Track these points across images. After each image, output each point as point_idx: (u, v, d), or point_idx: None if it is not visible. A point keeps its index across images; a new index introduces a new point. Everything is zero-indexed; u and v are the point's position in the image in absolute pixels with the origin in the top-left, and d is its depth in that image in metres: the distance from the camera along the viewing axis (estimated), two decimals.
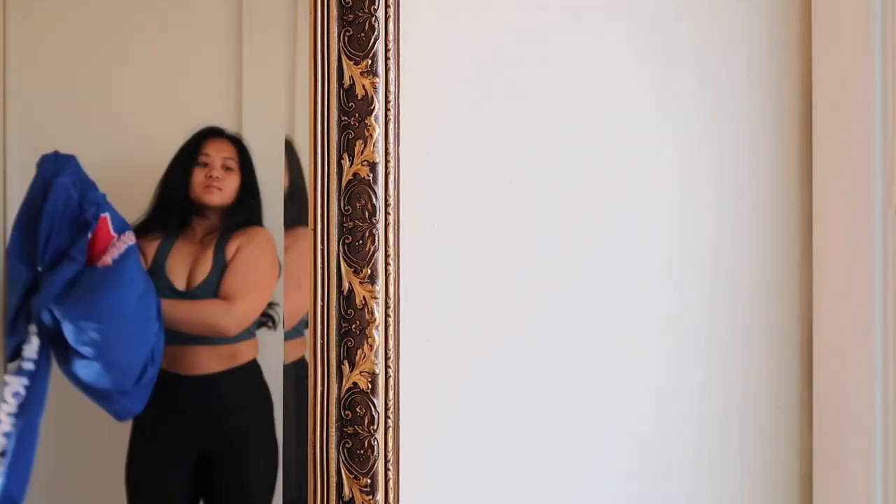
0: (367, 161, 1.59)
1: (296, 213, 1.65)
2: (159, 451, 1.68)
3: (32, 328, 1.60)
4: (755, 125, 1.75)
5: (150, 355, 1.65)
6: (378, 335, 1.59)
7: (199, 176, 1.68)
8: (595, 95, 1.71)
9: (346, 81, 1.59)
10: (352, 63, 1.59)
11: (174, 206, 1.68)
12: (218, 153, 1.69)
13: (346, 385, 1.59)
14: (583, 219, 1.70)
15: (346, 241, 1.59)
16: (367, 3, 1.58)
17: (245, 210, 1.69)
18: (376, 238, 1.59)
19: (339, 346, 1.59)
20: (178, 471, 1.69)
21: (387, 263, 1.59)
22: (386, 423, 1.60)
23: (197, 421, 1.69)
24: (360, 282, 1.59)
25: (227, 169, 1.68)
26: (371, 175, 1.59)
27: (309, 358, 1.60)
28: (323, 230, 1.59)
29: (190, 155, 1.68)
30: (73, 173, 1.64)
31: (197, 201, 1.68)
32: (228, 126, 1.70)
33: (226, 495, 1.70)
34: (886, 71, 1.60)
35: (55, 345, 1.61)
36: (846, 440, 1.67)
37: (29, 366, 1.61)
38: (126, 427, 1.68)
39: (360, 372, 1.59)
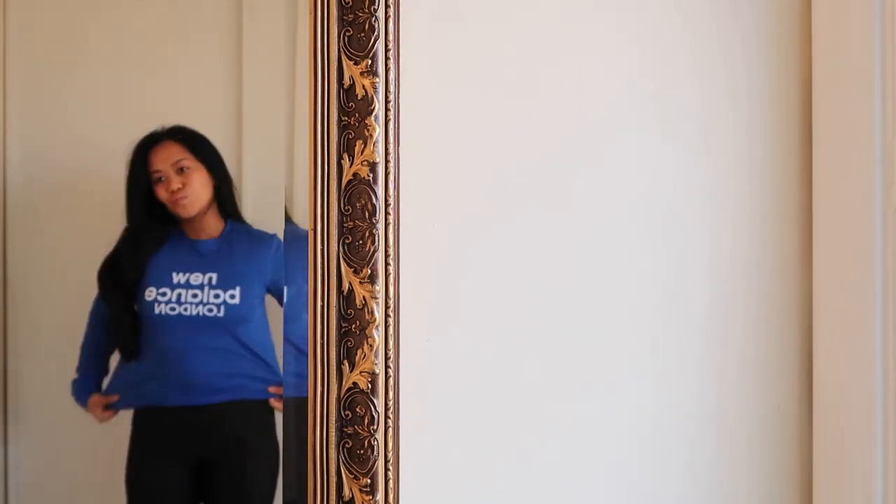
0: (367, 161, 1.59)
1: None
2: (159, 456, 1.68)
3: None
4: (755, 125, 1.75)
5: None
6: (378, 335, 1.59)
7: (163, 194, 1.66)
8: (595, 95, 1.71)
9: (346, 81, 1.59)
10: (352, 63, 1.59)
11: (154, 228, 1.67)
12: (166, 162, 1.65)
13: (346, 385, 1.59)
14: (583, 219, 1.70)
15: (346, 241, 1.59)
16: (367, 3, 1.58)
17: (230, 198, 1.68)
18: (376, 238, 1.59)
19: (339, 346, 1.59)
20: (178, 475, 1.69)
21: (387, 263, 1.59)
22: (386, 423, 1.60)
23: (196, 430, 1.69)
24: (360, 282, 1.59)
25: (182, 171, 1.66)
26: (371, 175, 1.59)
27: (309, 358, 1.60)
28: (323, 230, 1.59)
29: (141, 175, 1.64)
30: None
31: (177, 216, 1.67)
32: (228, 126, 1.70)
33: (226, 499, 1.70)
34: (886, 71, 1.60)
35: None
36: (846, 440, 1.67)
37: None
38: (126, 431, 1.68)
39: (360, 372, 1.59)
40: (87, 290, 1.69)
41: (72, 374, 1.68)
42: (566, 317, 1.70)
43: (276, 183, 1.66)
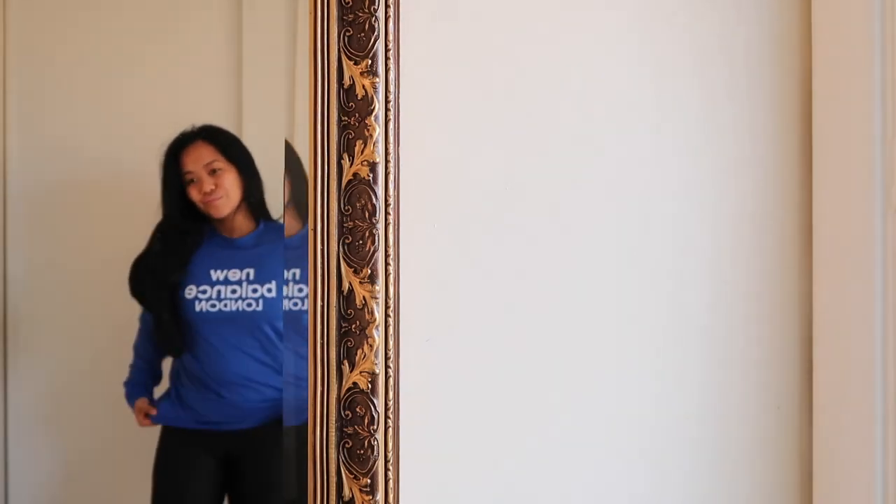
0: (367, 161, 1.59)
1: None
2: (188, 451, 1.69)
3: None
4: (755, 125, 1.75)
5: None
6: (378, 335, 1.59)
7: (195, 195, 1.68)
8: (595, 95, 1.71)
9: (346, 81, 1.59)
10: (352, 63, 1.59)
11: (189, 227, 1.68)
12: (198, 163, 1.67)
13: (346, 385, 1.59)
14: (583, 219, 1.70)
15: (346, 241, 1.59)
16: (367, 3, 1.58)
17: (260, 197, 1.69)
18: (376, 238, 1.59)
19: (339, 346, 1.59)
20: (205, 470, 1.70)
21: (387, 263, 1.59)
22: (386, 423, 1.60)
23: (225, 426, 1.70)
24: (360, 282, 1.59)
25: (215, 172, 1.68)
26: (371, 175, 1.59)
27: (309, 358, 1.60)
28: (323, 230, 1.59)
29: (174, 177, 1.67)
30: None
31: (209, 217, 1.69)
32: (228, 126, 1.70)
33: (251, 491, 1.71)
34: (886, 71, 1.59)
35: None
36: (846, 440, 1.67)
37: None
38: (125, 434, 1.69)
39: (360, 372, 1.59)
40: (90, 291, 1.69)
41: (70, 373, 1.69)
42: (566, 317, 1.70)
43: (277, 183, 1.66)
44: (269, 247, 1.69)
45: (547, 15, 1.69)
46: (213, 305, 1.67)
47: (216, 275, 1.67)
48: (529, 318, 1.69)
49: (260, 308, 1.67)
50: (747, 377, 1.74)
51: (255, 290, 1.67)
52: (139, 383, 1.68)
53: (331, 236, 1.59)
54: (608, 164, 1.71)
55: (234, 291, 1.67)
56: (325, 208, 1.59)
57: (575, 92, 1.70)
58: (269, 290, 1.68)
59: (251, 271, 1.68)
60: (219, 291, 1.67)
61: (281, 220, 1.68)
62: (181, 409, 1.68)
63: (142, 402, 1.68)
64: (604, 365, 1.71)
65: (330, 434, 1.60)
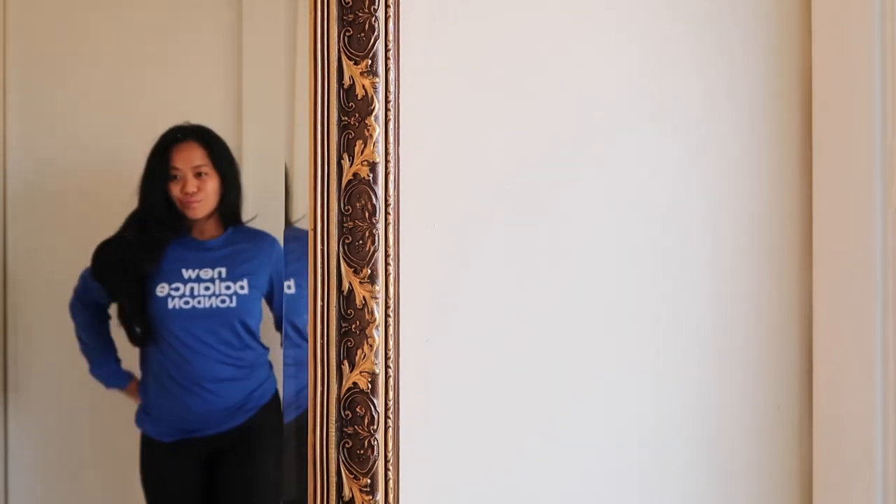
0: (367, 161, 1.59)
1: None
2: (170, 462, 1.69)
3: None
4: (755, 125, 1.75)
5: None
6: (378, 335, 1.59)
7: (175, 191, 1.68)
8: (595, 95, 1.71)
9: (346, 81, 1.59)
10: (352, 63, 1.59)
11: (165, 221, 1.69)
12: (187, 164, 1.68)
13: (346, 385, 1.59)
14: (583, 218, 1.70)
15: (346, 241, 1.59)
16: (367, 3, 1.58)
17: (235, 207, 1.70)
18: (376, 238, 1.59)
19: (339, 346, 1.59)
20: (191, 475, 1.70)
21: (387, 263, 1.59)
22: (386, 423, 1.60)
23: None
24: (360, 282, 1.59)
25: (200, 175, 1.68)
26: (371, 175, 1.59)
27: (309, 358, 1.60)
28: (323, 230, 1.59)
29: (161, 170, 1.67)
30: None
31: (184, 215, 1.69)
32: (228, 126, 1.70)
33: (236, 488, 1.71)
34: (886, 71, 1.59)
35: None
36: (846, 440, 1.67)
37: None
38: (125, 423, 1.69)
39: (360, 372, 1.59)
40: None
41: (70, 369, 1.69)
42: (566, 317, 1.70)
43: (277, 182, 1.66)
44: (239, 248, 1.70)
45: (547, 15, 1.69)
46: (187, 302, 1.67)
47: (188, 273, 1.68)
48: (529, 317, 1.69)
49: (234, 305, 1.68)
50: (747, 377, 1.75)
51: (228, 288, 1.68)
52: (109, 366, 1.68)
53: (331, 236, 1.59)
54: (608, 165, 1.71)
55: (207, 288, 1.68)
56: (325, 208, 1.59)
57: (575, 92, 1.70)
58: (242, 288, 1.68)
59: (223, 270, 1.68)
60: (192, 289, 1.68)
61: (248, 225, 1.70)
62: (156, 423, 1.68)
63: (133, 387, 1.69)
64: (604, 365, 1.71)
65: (330, 434, 1.60)
